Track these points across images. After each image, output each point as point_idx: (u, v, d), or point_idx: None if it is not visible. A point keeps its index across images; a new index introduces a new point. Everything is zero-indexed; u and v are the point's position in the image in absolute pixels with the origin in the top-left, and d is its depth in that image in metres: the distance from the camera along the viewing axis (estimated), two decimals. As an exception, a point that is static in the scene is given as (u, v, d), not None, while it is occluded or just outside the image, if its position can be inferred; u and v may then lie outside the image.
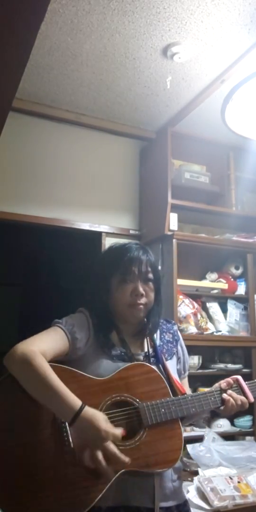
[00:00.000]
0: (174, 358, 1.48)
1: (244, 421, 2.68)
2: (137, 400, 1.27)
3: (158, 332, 1.50)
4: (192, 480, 2.00)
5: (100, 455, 1.17)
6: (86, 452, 1.20)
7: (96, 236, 2.86)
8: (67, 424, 1.21)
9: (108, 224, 2.87)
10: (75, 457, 1.21)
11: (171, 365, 1.44)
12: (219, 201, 2.99)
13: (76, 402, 1.19)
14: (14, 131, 2.65)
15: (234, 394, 1.37)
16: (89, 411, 1.19)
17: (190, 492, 1.91)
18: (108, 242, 2.84)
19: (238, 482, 2.01)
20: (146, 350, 1.42)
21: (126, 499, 1.24)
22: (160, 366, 1.39)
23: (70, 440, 1.21)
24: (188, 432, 2.47)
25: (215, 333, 2.73)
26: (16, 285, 5.20)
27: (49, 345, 1.29)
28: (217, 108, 2.42)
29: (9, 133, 2.45)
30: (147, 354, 1.41)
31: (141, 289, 1.38)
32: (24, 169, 2.71)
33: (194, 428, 2.55)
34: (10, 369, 1.25)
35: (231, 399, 1.35)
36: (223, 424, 2.63)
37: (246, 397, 1.38)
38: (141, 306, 1.39)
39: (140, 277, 1.39)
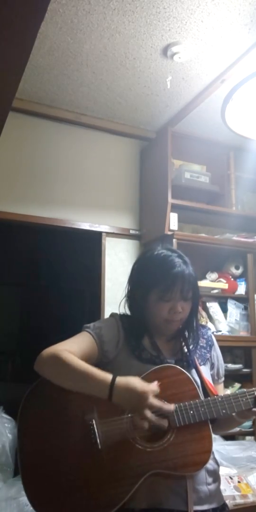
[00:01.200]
0: (208, 364, 1.46)
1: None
2: (166, 402, 1.26)
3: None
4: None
5: (149, 413, 1.18)
6: (114, 452, 1.23)
7: (96, 236, 2.86)
8: (95, 425, 1.24)
9: (108, 224, 2.87)
10: (103, 458, 1.22)
11: (205, 371, 1.42)
12: (219, 201, 2.98)
13: (108, 376, 1.22)
14: (14, 131, 2.65)
15: None
16: (122, 379, 1.21)
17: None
18: (108, 242, 2.84)
19: (238, 482, 2.01)
20: (178, 354, 1.41)
21: (159, 501, 1.23)
22: (193, 370, 1.37)
23: (98, 441, 1.23)
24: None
25: (215, 333, 2.72)
26: (16, 285, 5.19)
27: (75, 347, 1.33)
28: (217, 108, 2.42)
29: (9, 133, 2.46)
30: (179, 358, 1.40)
31: (179, 308, 1.36)
32: (24, 169, 2.71)
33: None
34: (41, 371, 1.30)
35: None
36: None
37: None
38: (178, 322, 1.38)
39: (180, 296, 1.36)
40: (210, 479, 1.31)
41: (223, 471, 2.10)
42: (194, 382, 1.31)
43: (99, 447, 1.22)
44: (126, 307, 1.47)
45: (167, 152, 2.73)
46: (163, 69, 2.30)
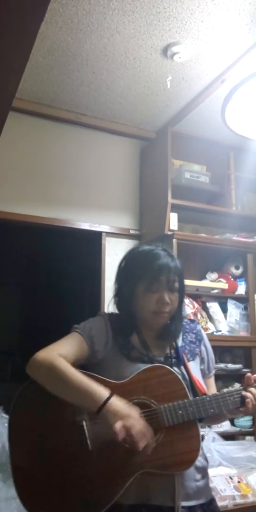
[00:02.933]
0: (197, 358, 1.46)
1: (244, 421, 2.68)
2: (155, 402, 1.28)
3: (181, 332, 1.49)
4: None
5: (119, 424, 1.16)
6: (104, 453, 1.23)
7: (96, 236, 2.86)
8: (85, 426, 1.24)
9: (108, 224, 2.87)
10: (93, 458, 1.23)
11: (194, 366, 1.42)
12: (219, 201, 2.98)
13: (103, 394, 1.21)
14: (14, 131, 2.65)
15: (254, 392, 1.33)
16: (116, 402, 1.20)
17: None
18: (108, 242, 2.84)
19: (238, 482, 2.01)
20: (167, 351, 1.42)
21: (147, 498, 1.25)
22: (182, 367, 1.38)
23: (88, 442, 1.23)
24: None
25: (215, 333, 2.72)
26: (16, 285, 5.20)
27: (68, 350, 1.32)
28: (217, 108, 2.42)
29: (9, 133, 2.45)
30: (168, 355, 1.40)
31: (167, 299, 1.37)
32: (24, 169, 2.71)
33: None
34: (33, 375, 1.29)
35: (251, 399, 1.32)
36: (223, 424, 2.62)
37: None
38: (166, 314, 1.39)
39: (167, 286, 1.37)
40: (198, 476, 1.33)
41: (223, 471, 2.10)
42: (183, 382, 1.32)
43: (90, 447, 1.23)
44: (115, 306, 1.47)
45: (167, 152, 2.73)
46: (163, 69, 2.30)
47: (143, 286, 1.37)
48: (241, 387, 1.36)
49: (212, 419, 1.46)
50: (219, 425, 2.61)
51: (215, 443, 2.35)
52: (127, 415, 1.18)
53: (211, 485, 1.91)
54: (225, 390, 1.40)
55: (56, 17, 1.94)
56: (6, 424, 2.34)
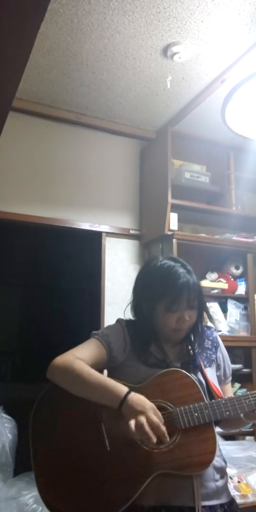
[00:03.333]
0: (213, 365, 1.48)
1: (244, 421, 2.68)
2: (171, 405, 1.30)
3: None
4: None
5: (143, 420, 1.20)
6: (122, 453, 1.26)
7: (96, 236, 2.86)
8: (103, 428, 1.28)
9: (108, 224, 2.87)
10: (111, 459, 1.26)
11: (210, 372, 1.44)
12: (219, 201, 2.98)
13: (122, 390, 1.26)
14: (14, 131, 2.65)
15: None
16: (135, 396, 1.25)
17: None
18: (108, 242, 2.84)
19: (238, 482, 2.01)
20: (184, 358, 1.44)
21: (167, 499, 1.26)
22: (199, 373, 1.40)
23: (107, 443, 1.27)
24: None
25: (215, 333, 2.72)
26: (16, 285, 5.19)
27: (86, 355, 1.37)
28: (217, 108, 2.42)
29: (9, 133, 2.45)
30: (185, 361, 1.43)
31: (187, 317, 1.39)
32: (24, 169, 2.71)
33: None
34: (54, 379, 1.35)
35: None
36: (223, 424, 2.62)
37: None
38: (185, 330, 1.42)
39: (187, 306, 1.39)
40: (217, 476, 1.35)
41: (223, 471, 2.10)
42: (199, 385, 1.34)
43: (108, 448, 1.27)
44: (131, 315, 1.50)
45: (167, 152, 2.73)
46: (163, 69, 2.30)
47: (163, 306, 1.39)
48: None
49: (230, 424, 1.49)
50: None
51: (215, 443, 2.35)
52: (141, 410, 1.22)
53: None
54: (239, 393, 1.40)
55: (56, 17, 1.94)
56: (6, 424, 2.35)
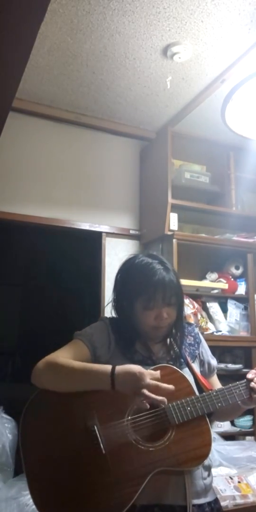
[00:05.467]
0: (197, 361, 1.49)
1: (244, 421, 2.68)
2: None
3: None
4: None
5: (145, 391, 1.20)
6: (118, 455, 1.24)
7: (96, 236, 2.86)
8: (97, 431, 1.25)
9: (108, 224, 2.87)
10: (107, 462, 1.24)
11: (196, 367, 1.45)
12: (219, 201, 2.98)
13: (107, 367, 1.26)
14: (14, 131, 2.65)
15: None
16: (121, 366, 1.25)
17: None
18: (108, 242, 2.84)
19: (239, 482, 2.01)
20: (169, 354, 1.44)
21: (159, 497, 1.26)
22: (186, 368, 1.41)
23: (101, 446, 1.24)
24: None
25: (215, 333, 2.72)
26: (16, 285, 5.19)
27: (70, 355, 1.35)
28: (217, 108, 2.42)
29: (9, 133, 2.45)
30: (171, 357, 1.43)
31: (165, 315, 1.39)
32: (24, 169, 2.71)
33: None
34: (40, 383, 1.32)
35: None
36: (223, 424, 2.63)
37: None
38: (164, 328, 1.41)
39: (164, 303, 1.38)
40: (205, 474, 1.35)
41: (223, 471, 2.10)
42: (188, 379, 1.34)
43: (103, 451, 1.24)
44: (113, 313, 1.50)
45: (167, 152, 2.73)
46: (163, 69, 2.30)
47: (140, 304, 1.39)
48: (245, 380, 1.39)
49: (224, 414, 1.50)
50: (219, 425, 2.61)
51: (216, 443, 2.35)
52: (136, 381, 1.21)
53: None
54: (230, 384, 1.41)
55: (56, 17, 1.94)
56: (6, 424, 2.35)
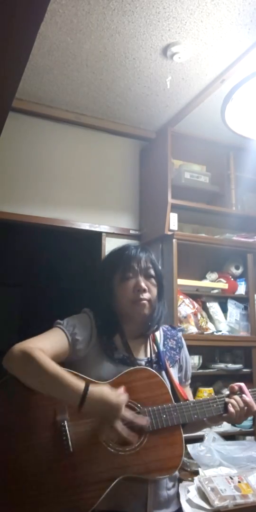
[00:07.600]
0: (176, 366, 1.46)
1: (245, 421, 2.67)
2: (139, 405, 1.26)
3: (162, 337, 1.48)
4: (192, 480, 2.00)
5: (120, 425, 1.16)
6: (86, 455, 1.19)
7: (96, 236, 2.86)
8: (67, 427, 1.19)
9: (108, 224, 2.87)
10: (74, 461, 1.19)
11: (174, 373, 1.42)
12: (219, 201, 2.98)
13: (80, 384, 1.17)
14: (14, 131, 2.65)
15: (238, 399, 1.35)
16: (95, 389, 1.17)
17: (191, 492, 1.90)
18: (108, 242, 2.84)
19: (239, 482, 2.00)
20: (149, 355, 1.41)
21: (118, 504, 1.22)
22: (163, 372, 1.37)
23: (70, 444, 1.19)
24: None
25: (215, 333, 2.72)
26: (16, 285, 5.20)
27: (47, 345, 1.28)
28: (217, 108, 2.42)
29: (9, 133, 2.46)
30: (149, 359, 1.39)
31: (143, 284, 1.37)
32: (24, 169, 2.71)
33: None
34: (10, 368, 1.23)
35: (234, 405, 1.34)
36: (223, 424, 2.62)
37: (248, 406, 1.37)
38: (145, 301, 1.37)
39: (141, 272, 1.39)
40: (170, 484, 1.32)
41: (223, 471, 2.10)
42: (167, 386, 1.31)
43: (71, 449, 1.18)
44: (96, 305, 1.47)
45: (167, 152, 2.73)
46: (163, 69, 2.30)
47: (118, 277, 1.40)
48: (225, 395, 1.37)
49: (192, 427, 1.44)
50: (219, 425, 2.61)
51: (216, 443, 2.35)
52: (111, 411, 1.15)
53: (211, 485, 1.92)
54: (227, 392, 1.40)
55: (56, 17, 1.94)
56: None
